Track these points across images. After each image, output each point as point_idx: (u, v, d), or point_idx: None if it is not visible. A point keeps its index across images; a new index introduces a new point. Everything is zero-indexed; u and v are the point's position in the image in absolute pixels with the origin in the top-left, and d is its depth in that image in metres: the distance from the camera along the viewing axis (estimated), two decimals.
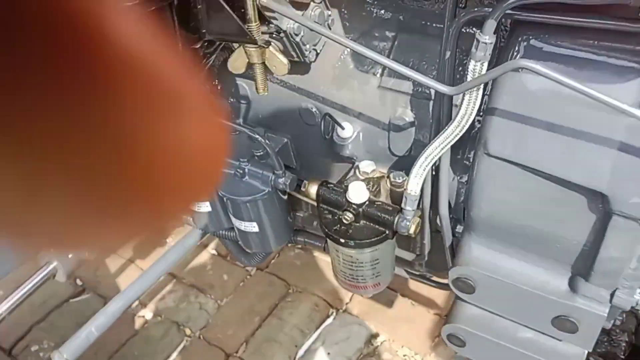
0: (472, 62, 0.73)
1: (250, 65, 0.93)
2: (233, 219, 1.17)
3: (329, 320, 2.09)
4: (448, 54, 0.82)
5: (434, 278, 1.38)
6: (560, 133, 0.77)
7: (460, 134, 0.83)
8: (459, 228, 1.04)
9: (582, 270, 0.88)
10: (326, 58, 1.06)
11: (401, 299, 2.11)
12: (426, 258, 1.12)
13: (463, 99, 0.78)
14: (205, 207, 1.22)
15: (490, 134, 0.83)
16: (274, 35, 0.90)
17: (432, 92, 0.97)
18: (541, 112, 0.78)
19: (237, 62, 0.93)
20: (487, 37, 0.70)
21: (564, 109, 0.76)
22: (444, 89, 0.74)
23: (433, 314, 2.07)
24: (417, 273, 1.23)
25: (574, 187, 0.80)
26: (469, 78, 0.75)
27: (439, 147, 0.86)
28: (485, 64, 0.73)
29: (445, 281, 1.28)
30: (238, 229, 1.19)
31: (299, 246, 2.23)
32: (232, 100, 1.24)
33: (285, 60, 0.91)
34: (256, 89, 0.94)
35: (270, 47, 0.88)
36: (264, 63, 0.90)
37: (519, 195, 0.87)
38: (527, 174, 0.83)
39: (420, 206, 0.98)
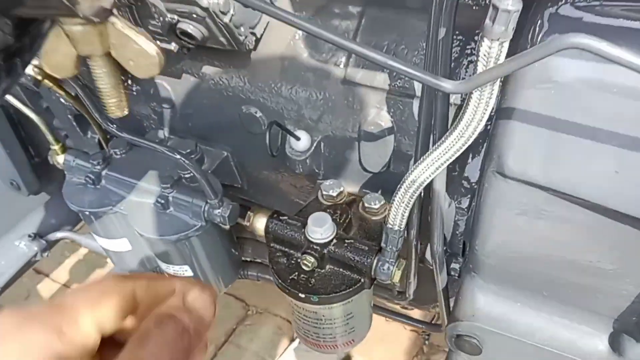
0: (486, 43, 0.47)
1: (82, 60, 0.48)
2: (159, 262, 0.89)
3: (295, 344, 1.83)
4: (443, 32, 0.56)
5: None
6: (613, 144, 0.53)
7: (464, 147, 0.57)
8: (454, 264, 0.79)
9: (630, 327, 0.65)
10: (270, 45, 0.78)
11: (374, 315, 1.87)
12: (411, 297, 0.86)
13: (470, 98, 0.52)
14: (123, 244, 0.93)
15: (507, 148, 0.58)
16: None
17: (416, 87, 0.71)
18: (584, 114, 0.53)
19: (55, 55, 0.46)
20: (510, 3, 0.44)
21: (619, 109, 0.51)
22: (446, 85, 0.48)
23: (409, 330, 1.84)
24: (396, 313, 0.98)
25: (629, 220, 0.56)
26: (480, 67, 0.49)
27: (433, 166, 0.60)
28: (506, 45, 0.48)
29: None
30: (167, 273, 0.91)
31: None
32: (152, 105, 0.95)
33: (151, 49, 0.45)
34: (105, 108, 0.48)
35: (115, 21, 0.41)
36: (109, 55, 0.45)
37: (546, 229, 0.62)
38: (559, 201, 0.59)
39: (403, 237, 0.72)
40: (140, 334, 0.37)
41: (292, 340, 1.86)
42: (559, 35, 0.43)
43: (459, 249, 0.78)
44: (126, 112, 0.38)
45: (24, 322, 0.34)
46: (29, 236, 1.26)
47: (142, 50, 0.40)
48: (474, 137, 0.56)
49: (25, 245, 1.26)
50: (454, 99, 0.68)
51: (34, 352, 0.33)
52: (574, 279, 0.65)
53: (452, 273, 0.80)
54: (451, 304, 0.82)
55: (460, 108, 0.58)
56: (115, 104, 0.38)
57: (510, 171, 0.59)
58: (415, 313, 1.81)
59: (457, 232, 0.75)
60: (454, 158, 0.59)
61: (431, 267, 0.85)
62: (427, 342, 1.82)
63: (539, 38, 0.56)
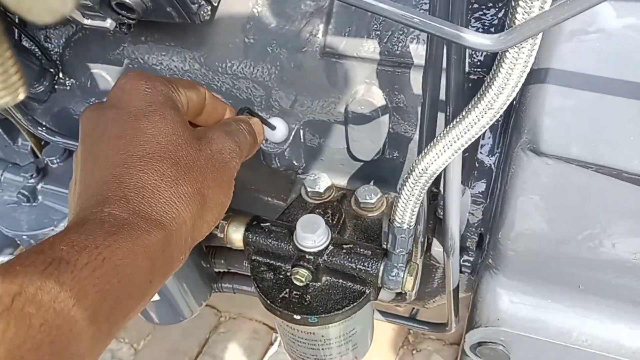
0: None
1: None
2: None
3: (274, 348, 1.72)
4: None
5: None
6: None
7: (491, 122, 0.45)
8: (464, 260, 0.68)
9: None
10: (229, 16, 0.65)
11: None
12: (414, 297, 0.75)
13: (503, 57, 0.40)
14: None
15: (543, 119, 0.47)
16: None
17: (413, 53, 0.59)
18: None
19: None
20: None
21: None
22: (480, 40, 0.36)
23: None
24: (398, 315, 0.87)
25: None
26: (520, 13, 0.37)
27: (451, 149, 0.48)
28: None
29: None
30: None
31: None
32: (91, 100, 0.79)
33: None
34: None
35: None
36: None
37: (587, 211, 0.51)
38: (606, 180, 0.48)
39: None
40: (223, 121, 0.54)
41: (270, 344, 1.74)
42: None
43: (473, 242, 0.66)
44: (21, 96, 0.22)
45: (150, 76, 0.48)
46: None
47: None
48: (504, 108, 0.44)
49: None
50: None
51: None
52: (615, 267, 0.55)
53: (464, 270, 0.69)
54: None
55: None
56: (1, 86, 0.22)
57: (546, 148, 0.48)
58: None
59: (472, 224, 0.64)
60: (477, 137, 0.47)
61: (434, 264, 0.74)
62: (411, 331, 1.73)
63: None
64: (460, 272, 0.69)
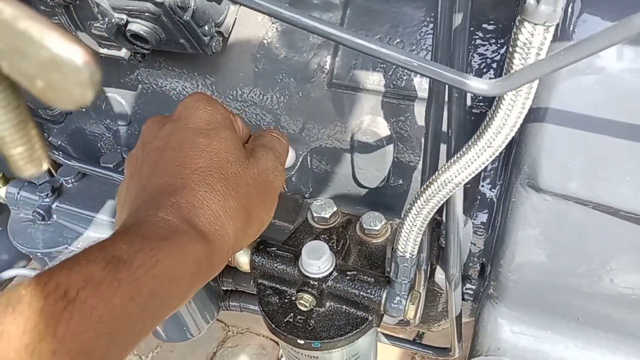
0: (527, 28, 0.37)
1: None
2: None
3: None
4: (460, 17, 0.45)
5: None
6: None
7: (491, 159, 0.46)
8: (467, 288, 0.69)
9: None
10: (240, 45, 0.67)
11: None
12: (417, 322, 0.76)
13: (501, 100, 0.42)
14: None
15: (541, 157, 0.48)
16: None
17: (417, 87, 0.60)
18: (638, 113, 0.44)
19: None
20: None
21: None
22: (478, 85, 0.38)
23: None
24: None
25: None
26: (517, 59, 0.38)
27: (451, 183, 0.49)
28: (552, 30, 0.37)
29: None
30: None
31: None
32: (106, 122, 0.82)
33: (74, 54, 0.20)
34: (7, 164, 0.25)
35: (2, 7, 0.19)
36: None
37: (585, 246, 0.52)
38: (603, 217, 0.49)
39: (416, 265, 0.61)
40: (257, 134, 0.55)
41: None
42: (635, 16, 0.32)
43: (475, 271, 0.67)
44: (45, 167, 0.24)
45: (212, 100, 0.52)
46: None
47: (56, 58, 0.19)
48: (503, 146, 0.45)
49: None
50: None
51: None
52: (614, 302, 0.56)
53: (466, 297, 0.70)
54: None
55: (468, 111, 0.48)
56: (24, 156, 0.23)
57: (545, 184, 0.49)
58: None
59: (475, 254, 0.65)
60: (477, 172, 0.48)
61: (438, 290, 0.75)
62: (416, 356, 1.72)
63: (575, 19, 0.46)
64: (463, 299, 0.70)
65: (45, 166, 0.23)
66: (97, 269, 0.35)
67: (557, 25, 0.41)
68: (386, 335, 0.89)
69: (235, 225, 0.46)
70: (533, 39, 0.37)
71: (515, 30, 0.38)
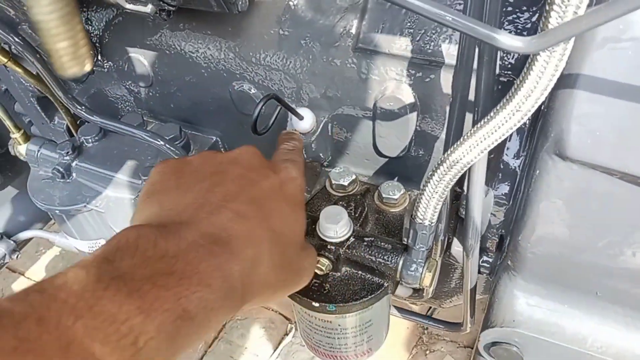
0: None
1: None
2: None
3: (289, 338, 1.74)
4: None
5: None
6: None
7: (519, 125, 0.46)
8: (484, 260, 0.69)
9: None
10: (266, 6, 0.66)
11: None
12: (431, 295, 0.76)
13: (534, 61, 0.41)
14: None
15: (571, 125, 0.47)
16: None
17: (445, 52, 0.59)
18: None
19: None
20: None
21: None
22: (513, 42, 0.37)
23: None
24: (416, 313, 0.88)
25: None
26: (553, 17, 0.37)
27: (477, 148, 0.48)
28: None
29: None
30: None
31: None
32: (127, 84, 0.82)
33: None
34: (54, 65, 0.28)
35: None
36: None
37: (609, 218, 0.52)
38: (632, 187, 0.48)
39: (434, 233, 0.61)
40: (282, 149, 0.60)
41: (285, 334, 1.76)
42: None
43: (493, 243, 0.67)
44: (88, 68, 0.24)
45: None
46: None
47: None
48: (532, 111, 0.45)
49: None
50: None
51: None
52: (634, 277, 0.55)
53: (482, 270, 0.70)
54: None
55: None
56: (68, 52, 0.23)
57: (572, 152, 0.48)
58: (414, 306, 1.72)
59: (494, 225, 0.64)
60: (503, 139, 0.48)
61: (453, 263, 0.75)
62: (426, 331, 1.73)
63: None
64: (479, 272, 0.70)
65: (89, 67, 0.23)
66: (167, 322, 0.34)
67: None
68: (398, 309, 0.89)
69: (259, 248, 0.45)
70: None
71: None
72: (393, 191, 0.67)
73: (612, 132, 0.46)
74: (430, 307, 1.26)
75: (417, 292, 0.78)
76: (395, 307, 0.91)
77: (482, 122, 0.47)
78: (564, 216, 0.53)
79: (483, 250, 0.68)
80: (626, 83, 0.45)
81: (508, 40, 0.38)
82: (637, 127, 0.45)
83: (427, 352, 1.68)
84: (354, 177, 0.69)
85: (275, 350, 1.72)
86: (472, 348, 1.57)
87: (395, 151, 0.67)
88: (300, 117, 0.66)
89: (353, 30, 0.62)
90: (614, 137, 0.46)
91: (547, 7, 0.38)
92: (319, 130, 0.69)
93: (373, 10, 0.61)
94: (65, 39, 0.22)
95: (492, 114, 0.46)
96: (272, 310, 1.81)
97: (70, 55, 0.22)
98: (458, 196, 0.65)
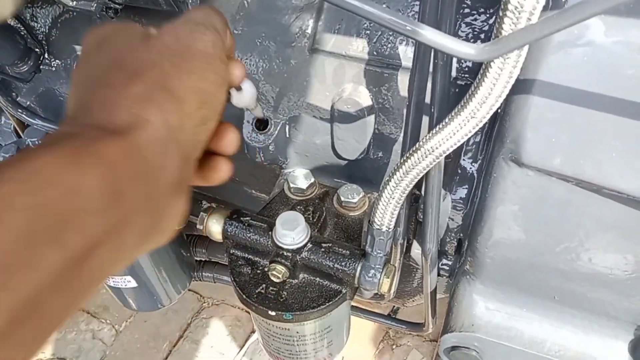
0: None
1: None
2: None
3: (255, 336, 1.72)
4: None
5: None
6: None
7: (474, 131, 0.45)
8: (443, 263, 0.68)
9: None
10: (218, 4, 0.64)
11: None
12: (392, 297, 0.75)
13: (488, 67, 0.40)
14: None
15: (526, 130, 0.46)
16: None
17: (402, 55, 0.58)
18: (628, 88, 0.42)
19: None
20: None
21: None
22: (466, 50, 0.36)
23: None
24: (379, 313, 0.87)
25: None
26: (506, 24, 0.36)
27: (432, 155, 0.47)
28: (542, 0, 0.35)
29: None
30: (106, 284, 0.76)
31: None
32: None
33: None
34: None
35: None
36: None
37: (565, 224, 0.51)
38: (586, 194, 0.48)
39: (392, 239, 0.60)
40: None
41: (252, 332, 1.74)
42: None
43: (452, 247, 0.66)
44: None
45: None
46: None
47: None
48: (487, 117, 0.44)
49: None
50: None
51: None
52: (591, 281, 0.55)
53: (442, 273, 0.69)
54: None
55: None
56: None
57: (528, 159, 0.47)
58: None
59: (452, 229, 0.63)
60: (458, 145, 0.47)
61: (414, 265, 0.74)
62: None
63: None
64: (439, 275, 0.70)
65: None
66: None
67: None
68: (360, 310, 0.89)
69: (154, 109, 0.36)
70: (525, 3, 0.35)
71: None
72: (352, 194, 0.65)
73: (567, 138, 0.45)
74: (394, 306, 1.26)
75: (379, 295, 0.77)
76: (358, 308, 0.90)
77: (437, 129, 0.46)
78: (521, 221, 0.53)
79: (442, 254, 0.68)
80: (581, 89, 0.44)
81: (460, 48, 0.36)
82: (592, 133, 0.45)
83: (394, 346, 1.69)
84: (312, 180, 0.67)
85: (241, 349, 1.70)
86: (437, 342, 1.58)
87: (354, 154, 0.66)
88: (239, 88, 0.51)
89: (309, 31, 0.60)
90: (569, 143, 0.45)
91: (501, 13, 0.37)
92: (276, 132, 0.67)
93: (329, 10, 0.59)
94: None
95: (447, 120, 0.45)
96: (238, 308, 1.79)
97: None
98: (417, 198, 0.65)
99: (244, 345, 1.71)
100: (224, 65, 0.43)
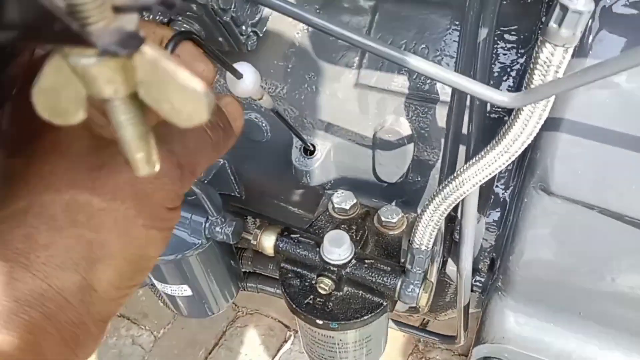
0: (548, 49, 0.40)
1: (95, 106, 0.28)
2: (154, 280, 0.82)
3: (287, 346, 1.78)
4: (485, 32, 0.49)
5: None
6: None
7: (507, 163, 0.50)
8: (476, 280, 0.74)
9: None
10: (272, 44, 0.71)
11: None
12: (426, 310, 0.80)
13: (520, 110, 0.46)
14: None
15: (554, 163, 0.52)
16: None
17: (440, 90, 0.64)
18: None
19: (55, 96, 0.25)
20: (582, 2, 0.37)
21: None
22: (500, 97, 0.42)
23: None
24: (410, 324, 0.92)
25: None
26: (537, 75, 0.42)
27: (469, 182, 0.53)
28: (571, 51, 0.41)
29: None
30: (163, 293, 0.83)
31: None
32: None
33: (197, 85, 0.25)
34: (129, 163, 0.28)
35: (146, 50, 0.24)
36: (134, 96, 0.26)
37: (590, 248, 0.56)
38: (609, 221, 0.53)
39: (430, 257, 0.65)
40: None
41: (284, 341, 1.80)
42: None
43: (485, 265, 0.72)
44: (157, 168, 0.27)
45: None
46: None
47: (184, 88, 0.24)
48: (519, 152, 0.49)
49: None
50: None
51: None
52: (614, 299, 0.60)
53: (475, 289, 0.74)
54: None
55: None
56: (143, 159, 0.27)
57: (556, 188, 0.53)
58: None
59: (486, 249, 0.69)
60: (493, 175, 0.52)
61: (447, 281, 0.79)
62: (421, 339, 1.78)
63: (592, 38, 0.49)
64: (472, 291, 0.75)
65: (158, 167, 0.28)
66: None
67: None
68: (395, 322, 0.94)
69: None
70: (553, 58, 0.41)
71: (536, 49, 0.42)
72: (392, 215, 0.71)
73: (591, 171, 0.51)
74: (424, 318, 1.30)
75: (414, 308, 0.82)
76: (392, 319, 0.96)
77: (473, 160, 0.52)
78: (550, 244, 0.58)
79: (475, 271, 0.73)
80: (604, 127, 0.50)
81: (495, 96, 0.42)
82: (614, 167, 0.50)
83: (423, 359, 1.73)
84: (355, 201, 0.73)
85: (274, 358, 1.76)
86: (466, 356, 1.62)
87: (394, 177, 0.72)
88: (239, 76, 0.48)
89: (354, 67, 0.67)
90: (593, 176, 0.51)
91: (532, 66, 0.43)
92: (323, 157, 0.73)
93: None
94: (141, 151, 0.26)
95: (482, 153, 0.51)
96: (272, 317, 1.85)
97: (144, 162, 0.26)
98: (453, 219, 0.70)
99: (276, 354, 1.77)
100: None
